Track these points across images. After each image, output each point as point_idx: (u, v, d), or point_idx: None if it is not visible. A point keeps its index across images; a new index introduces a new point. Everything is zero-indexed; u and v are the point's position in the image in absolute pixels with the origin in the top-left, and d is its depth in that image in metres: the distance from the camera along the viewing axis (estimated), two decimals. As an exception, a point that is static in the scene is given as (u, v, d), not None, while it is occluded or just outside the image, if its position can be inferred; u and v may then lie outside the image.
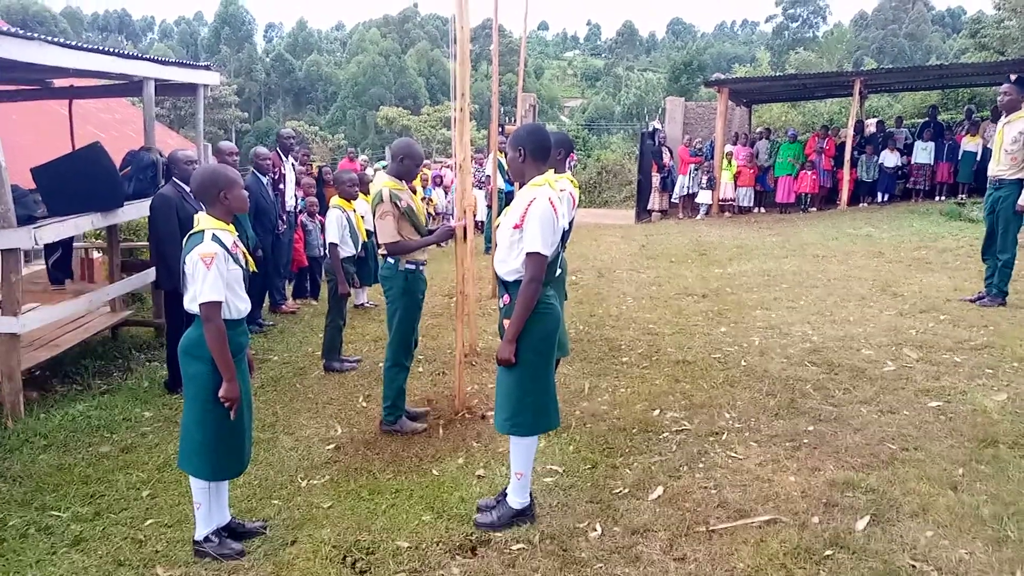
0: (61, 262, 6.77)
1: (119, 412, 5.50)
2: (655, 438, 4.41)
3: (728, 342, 6.15)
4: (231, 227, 3.45)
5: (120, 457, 4.72)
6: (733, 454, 4.10)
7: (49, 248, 6.59)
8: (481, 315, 7.42)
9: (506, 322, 3.44)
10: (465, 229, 5.00)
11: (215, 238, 3.30)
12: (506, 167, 10.07)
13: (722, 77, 17.64)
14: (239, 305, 3.41)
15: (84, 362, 6.59)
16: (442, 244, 5.35)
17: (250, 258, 3.55)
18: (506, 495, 3.62)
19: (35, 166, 5.69)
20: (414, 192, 5.43)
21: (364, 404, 5.42)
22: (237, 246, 3.43)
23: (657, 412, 4.77)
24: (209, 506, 3.48)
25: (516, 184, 3.69)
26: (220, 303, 3.27)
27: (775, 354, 5.74)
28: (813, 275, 8.55)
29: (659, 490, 3.74)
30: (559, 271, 3.62)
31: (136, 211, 6.57)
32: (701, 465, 4.00)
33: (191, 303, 3.32)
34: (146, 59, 6.96)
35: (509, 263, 3.44)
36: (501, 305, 3.55)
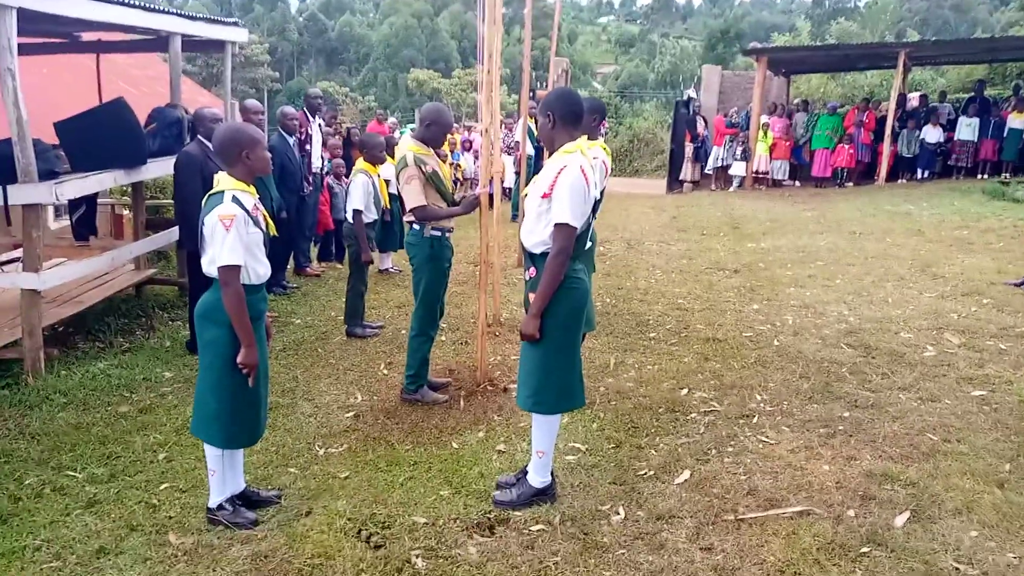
0: (86, 218, 6.73)
1: (140, 371, 5.47)
2: (682, 419, 4.26)
3: (760, 320, 5.96)
4: (252, 188, 3.32)
5: (138, 418, 4.68)
6: (764, 439, 3.95)
7: (73, 204, 6.55)
8: (506, 284, 7.29)
9: (532, 296, 3.29)
10: (491, 197, 4.84)
11: (235, 200, 3.17)
12: (536, 133, 9.84)
13: (760, 46, 17.13)
14: (259, 270, 3.30)
15: (107, 319, 6.57)
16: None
17: (271, 221, 3.43)
18: (527, 473, 3.51)
19: (58, 121, 5.60)
20: (442, 158, 5.26)
21: (385, 372, 5.33)
22: (258, 208, 3.31)
23: (685, 391, 4.62)
24: (223, 474, 3.41)
25: (547, 152, 3.49)
26: (239, 267, 3.16)
27: (809, 334, 5.55)
28: (850, 253, 8.29)
29: (686, 474, 3.61)
30: (589, 243, 3.46)
31: (160, 168, 6.49)
32: (730, 449, 3.85)
33: (209, 266, 3.20)
34: (173, 14, 6.82)
35: (536, 234, 3.28)
36: (527, 278, 3.40)
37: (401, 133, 13.72)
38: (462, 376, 5.15)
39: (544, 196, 3.21)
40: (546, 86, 18.47)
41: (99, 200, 9.49)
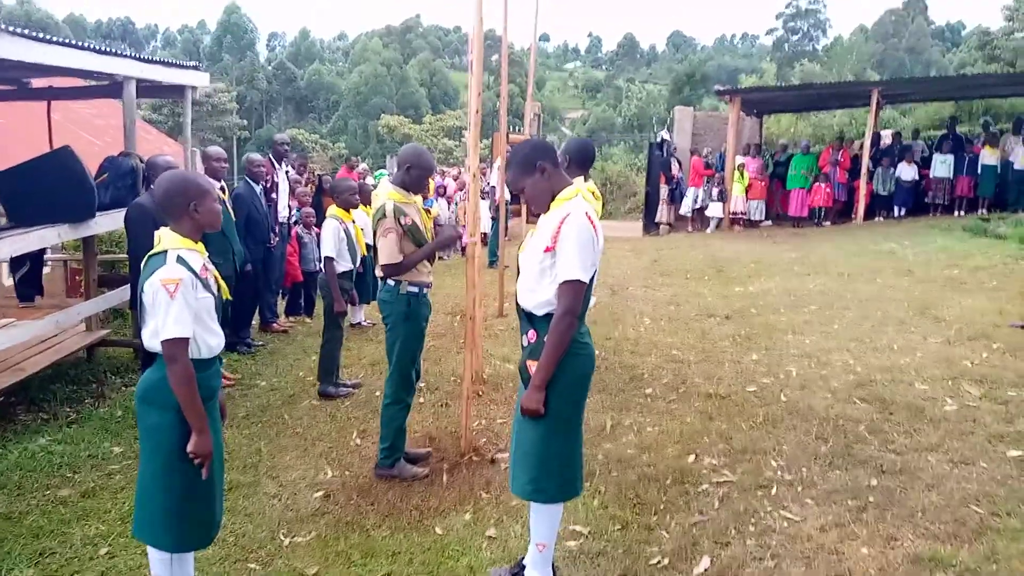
0: (30, 277, 6.21)
1: (85, 447, 4.91)
2: (693, 491, 3.82)
3: (762, 372, 5.58)
4: (200, 246, 2.87)
5: (80, 503, 4.13)
6: (787, 514, 3.52)
7: (16, 262, 6.02)
8: (487, 336, 6.86)
9: (531, 364, 2.86)
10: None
11: (180, 260, 2.72)
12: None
13: (733, 88, 17.13)
14: (210, 341, 2.83)
15: (54, 387, 6.00)
16: (444, 256, 4.68)
17: (223, 283, 2.97)
18: (523, 567, 3.04)
19: (-5, 172, 5.13)
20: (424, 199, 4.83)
21: (358, 441, 4.84)
22: (207, 269, 2.86)
23: (692, 458, 4.19)
24: (170, 580, 2.90)
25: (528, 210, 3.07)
26: (187, 340, 2.70)
27: (817, 387, 5.17)
28: (842, 295, 7.98)
29: (705, 562, 3.16)
30: (593, 299, 3.06)
31: (112, 222, 6.00)
32: (752, 528, 3.42)
33: (151, 339, 2.73)
34: (127, 57, 6.40)
35: (539, 293, 2.86)
36: (524, 343, 2.96)
37: (376, 178, 13.34)
38: (444, 445, 4.68)
39: (547, 250, 2.80)
40: (520, 130, 18.27)
41: (52, 256, 9.00)
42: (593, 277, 2.90)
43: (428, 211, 13.09)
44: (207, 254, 2.93)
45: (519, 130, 17.33)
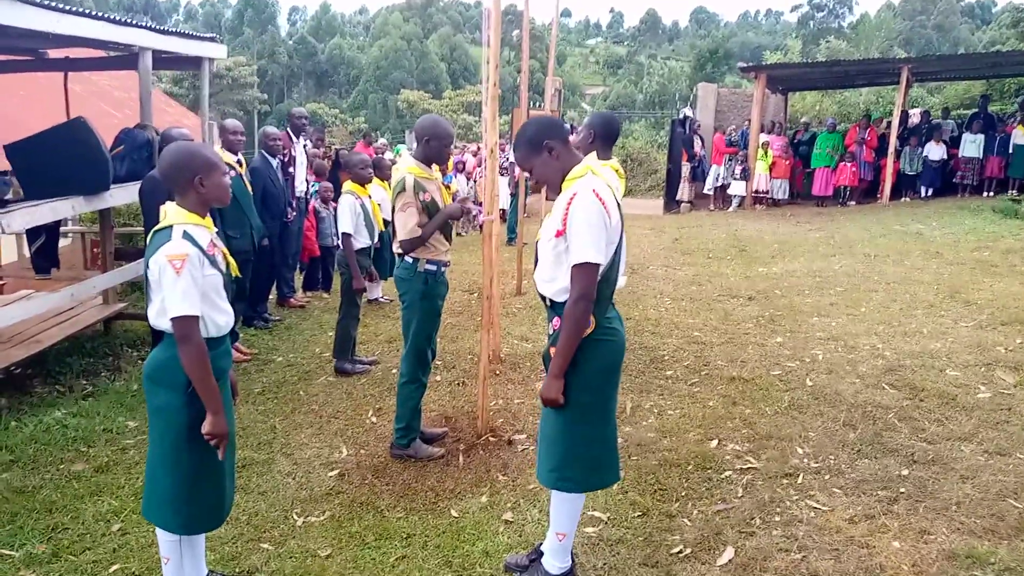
0: (46, 249, 6.17)
1: (100, 421, 4.88)
2: (716, 478, 3.71)
3: (787, 355, 5.43)
4: (208, 221, 2.77)
5: (93, 478, 4.09)
6: (815, 504, 3.40)
7: (32, 234, 5.99)
8: (504, 315, 6.76)
9: (553, 351, 2.75)
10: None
11: (186, 236, 2.62)
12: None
13: (750, 64, 16.77)
14: (218, 320, 2.73)
15: (70, 360, 5.98)
16: (462, 232, 4.47)
17: (231, 260, 2.87)
18: (541, 554, 2.95)
19: (8, 143, 5.05)
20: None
21: (374, 419, 4.76)
22: (215, 245, 2.76)
23: (715, 443, 4.07)
24: (180, 561, 2.83)
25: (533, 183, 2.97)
26: (196, 317, 2.60)
27: (844, 372, 5.02)
28: (869, 277, 7.79)
29: (729, 552, 3.06)
30: (622, 280, 2.93)
31: (127, 194, 5.93)
32: (777, 518, 3.30)
33: (158, 318, 2.64)
34: (142, 27, 6.29)
35: (557, 280, 2.74)
36: (550, 331, 2.84)
37: (395, 152, 13.21)
38: (460, 425, 4.59)
39: (558, 234, 2.66)
40: (541, 106, 18.03)
41: (70, 228, 8.98)
42: (618, 256, 2.77)
43: (447, 187, 12.98)
44: (216, 229, 2.83)
45: (539, 106, 17.10)
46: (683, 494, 3.57)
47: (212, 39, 7.33)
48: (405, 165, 3.92)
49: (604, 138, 4.19)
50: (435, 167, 4.00)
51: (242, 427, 4.65)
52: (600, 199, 2.60)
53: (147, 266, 2.65)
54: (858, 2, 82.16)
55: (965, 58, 15.43)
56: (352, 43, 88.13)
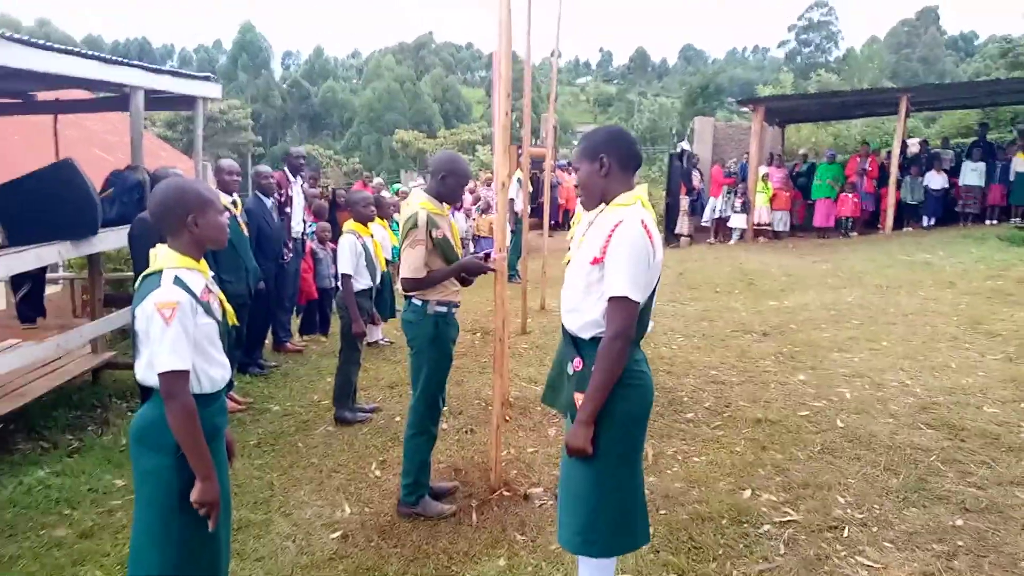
0: (31, 297, 5.91)
1: (85, 480, 4.57)
2: (753, 533, 3.42)
3: (811, 394, 5.17)
4: (203, 265, 2.52)
5: (76, 545, 3.78)
6: (866, 561, 3.11)
7: (16, 281, 5.72)
8: (511, 355, 6.47)
9: (578, 397, 2.49)
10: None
11: (178, 281, 2.37)
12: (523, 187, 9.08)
13: (748, 97, 16.74)
14: (212, 373, 2.47)
15: (55, 413, 5.68)
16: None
17: (228, 307, 2.62)
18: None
19: (-9, 186, 4.82)
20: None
21: (378, 473, 4.46)
22: (210, 291, 2.51)
23: (748, 493, 3.78)
24: (170, 645, 2.52)
25: (582, 206, 2.71)
26: (186, 373, 2.34)
27: (876, 412, 4.75)
28: (884, 309, 7.55)
29: (779, 620, 2.76)
30: (651, 324, 2.68)
31: (117, 238, 5.68)
32: (827, 578, 3.01)
33: (146, 371, 2.38)
34: (134, 65, 6.11)
35: (585, 313, 2.50)
36: (570, 371, 2.59)
37: (392, 190, 13.04)
38: (471, 477, 4.30)
39: (595, 261, 2.44)
40: (539, 142, 17.95)
41: (61, 275, 8.72)
42: (652, 297, 2.53)
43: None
44: (211, 274, 2.59)
45: (539, 142, 17.03)
46: (720, 552, 3.28)
47: (206, 78, 7.15)
48: (417, 200, 3.68)
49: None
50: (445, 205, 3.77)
51: (237, 484, 4.35)
52: (648, 233, 2.38)
53: (134, 315, 2.39)
54: (843, 37, 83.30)
55: (963, 87, 15.43)
56: (345, 86, 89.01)
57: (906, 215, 14.43)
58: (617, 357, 2.38)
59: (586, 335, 2.51)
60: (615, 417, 2.45)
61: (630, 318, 2.39)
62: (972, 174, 13.80)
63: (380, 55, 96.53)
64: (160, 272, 2.39)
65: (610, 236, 2.40)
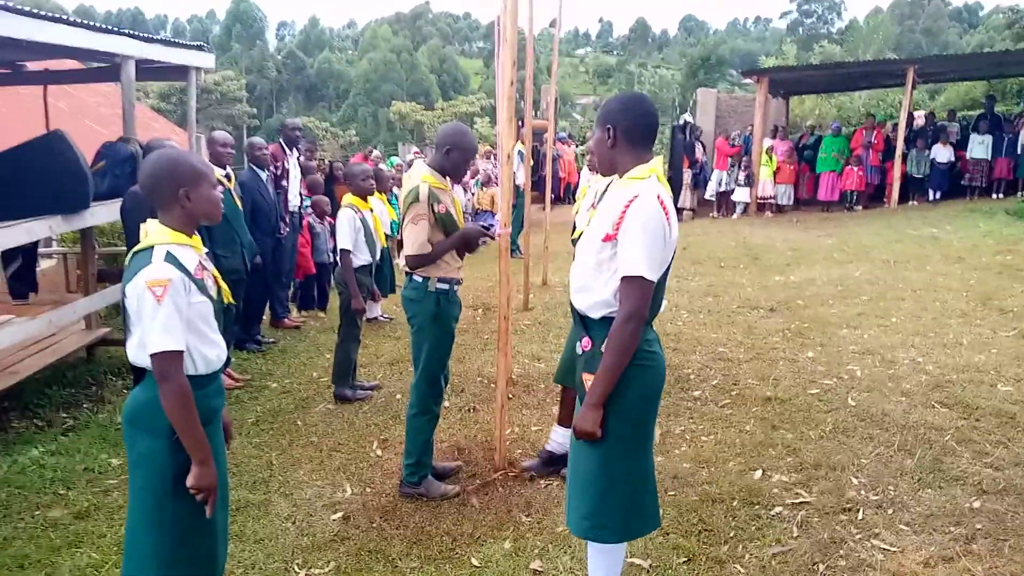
0: (22, 272, 5.78)
1: (81, 459, 4.47)
2: (765, 515, 3.34)
3: (821, 372, 5.07)
4: (196, 240, 2.40)
5: (72, 526, 3.69)
6: (881, 544, 3.03)
7: (7, 257, 5.59)
8: (512, 332, 6.36)
9: (587, 378, 2.38)
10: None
11: (170, 258, 2.25)
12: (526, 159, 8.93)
13: (753, 69, 16.50)
14: (208, 353, 2.36)
15: (50, 390, 5.57)
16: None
17: (224, 285, 2.50)
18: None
19: (-22, 159, 4.68)
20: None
21: (379, 452, 4.37)
22: (204, 268, 2.39)
23: (759, 474, 3.70)
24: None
25: (597, 175, 2.60)
26: (180, 353, 2.23)
27: (887, 390, 4.66)
28: (892, 284, 7.45)
29: (795, 606, 2.68)
30: (664, 303, 2.57)
31: (109, 212, 5.55)
32: (842, 562, 2.93)
33: (138, 352, 2.27)
34: (124, 34, 5.93)
35: (595, 291, 2.38)
36: (579, 351, 2.48)
37: (389, 164, 12.85)
38: (474, 456, 4.21)
39: (607, 238, 2.32)
40: (540, 114, 17.72)
41: (51, 249, 8.58)
42: (665, 276, 2.42)
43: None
44: (205, 249, 2.46)
45: (540, 115, 16.81)
46: (731, 535, 3.19)
47: (199, 47, 6.97)
48: (419, 173, 3.53)
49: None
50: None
51: (235, 463, 4.26)
52: (664, 209, 2.26)
53: (124, 293, 2.28)
54: (846, 8, 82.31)
55: (971, 58, 15.19)
56: (341, 57, 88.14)
57: (912, 188, 14.27)
58: (630, 339, 2.28)
59: (596, 315, 2.40)
60: (626, 399, 2.35)
61: (644, 298, 2.28)
62: (979, 147, 13.62)
63: (376, 25, 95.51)
64: (151, 248, 2.27)
65: (624, 212, 2.28)
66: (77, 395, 5.61)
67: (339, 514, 3.67)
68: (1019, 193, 13.49)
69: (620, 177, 2.41)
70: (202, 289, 2.31)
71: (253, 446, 4.55)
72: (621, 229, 2.28)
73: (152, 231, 2.32)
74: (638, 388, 2.37)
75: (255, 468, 4.23)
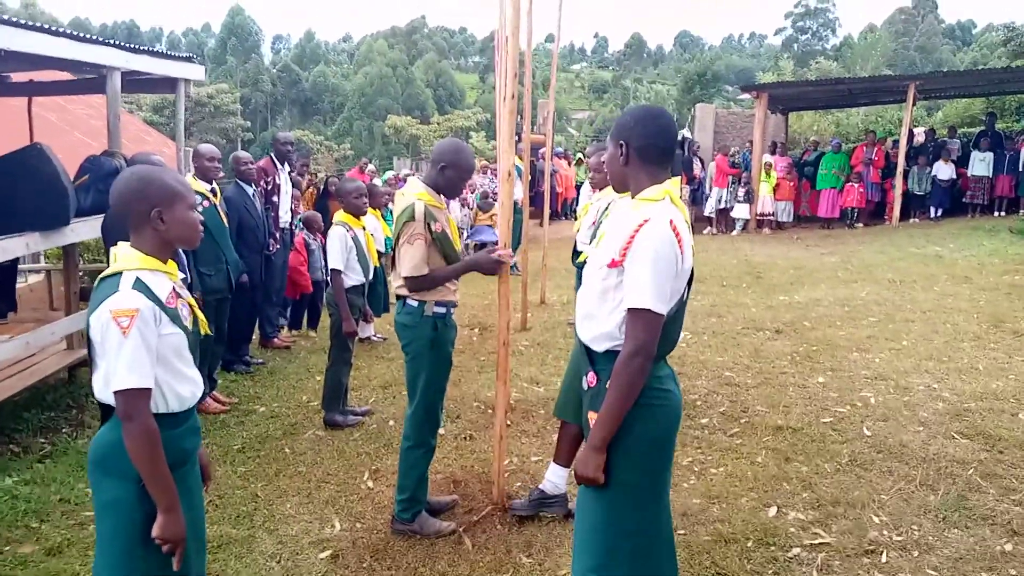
0: (1, 291, 5.57)
1: (56, 488, 4.24)
2: (783, 557, 3.12)
3: (833, 399, 4.86)
4: (170, 267, 2.19)
5: (43, 564, 3.46)
6: (911, 593, 2.81)
7: (-15, 274, 5.38)
8: (510, 353, 6.16)
9: (592, 417, 2.17)
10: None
11: (139, 285, 2.04)
12: (524, 174, 8.75)
13: (752, 84, 16.39)
14: (180, 389, 2.14)
15: (27, 415, 5.33)
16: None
17: (200, 315, 2.29)
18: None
19: (-48, 173, 4.46)
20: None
21: (370, 484, 4.14)
22: (179, 295, 2.17)
23: (774, 511, 3.48)
24: None
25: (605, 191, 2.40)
26: (146, 391, 2.01)
27: (904, 419, 4.45)
28: (900, 305, 7.26)
29: (822, 665, 2.46)
30: (681, 333, 2.37)
31: (91, 229, 5.32)
32: (870, 614, 2.71)
33: (103, 388, 2.06)
34: (110, 44, 5.74)
35: (599, 321, 2.18)
36: (584, 387, 2.27)
37: (383, 181, 12.66)
38: (471, 489, 3.98)
39: (613, 264, 2.11)
40: (537, 128, 17.57)
41: (41, 266, 8.35)
42: (682, 310, 2.22)
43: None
44: (181, 276, 2.25)
45: (538, 129, 16.66)
46: (747, 580, 2.98)
47: (188, 58, 6.79)
48: (414, 191, 3.33)
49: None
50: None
51: (219, 495, 4.03)
52: (677, 235, 2.06)
53: (87, 323, 2.06)
54: (841, 24, 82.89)
55: (972, 75, 15.07)
56: (336, 70, 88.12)
57: (913, 206, 14.16)
58: (634, 378, 2.06)
59: (599, 348, 2.19)
60: (634, 443, 2.13)
61: (652, 333, 2.06)
62: (980, 164, 13.51)
63: (372, 39, 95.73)
64: (119, 275, 2.06)
65: (632, 237, 2.08)
66: (56, 419, 5.37)
67: (327, 552, 3.44)
68: (1021, 211, 13.37)
69: (632, 198, 2.21)
70: (175, 319, 2.10)
71: (238, 476, 4.32)
72: (628, 255, 2.08)
73: (121, 255, 2.11)
74: (648, 430, 2.15)
75: (239, 500, 4.00)
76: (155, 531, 2.05)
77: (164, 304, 2.08)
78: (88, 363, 2.13)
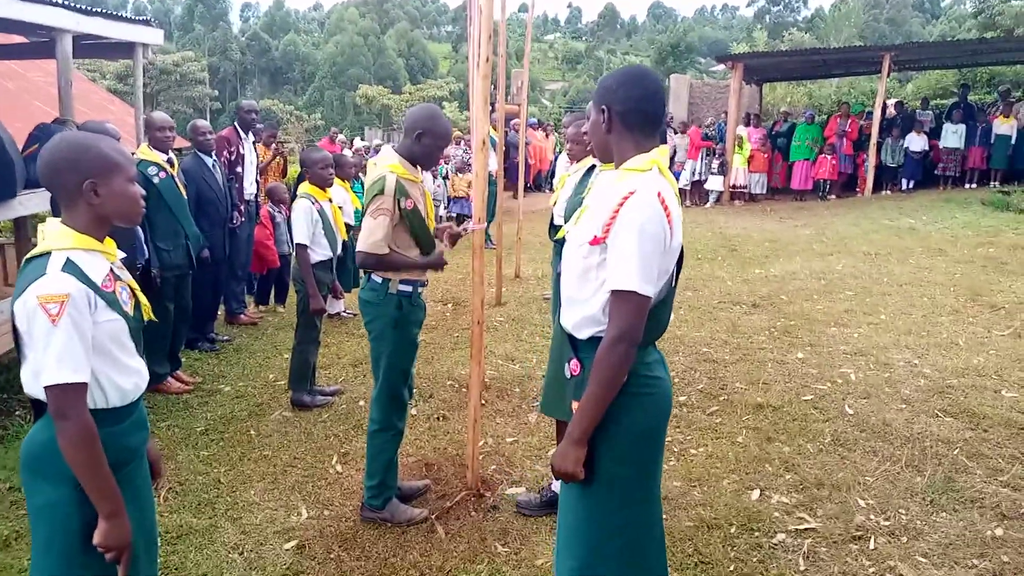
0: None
1: (6, 476, 4.00)
2: (767, 543, 3.01)
3: (813, 375, 4.77)
4: (108, 245, 1.98)
5: (-11, 559, 3.26)
6: (900, 580, 2.72)
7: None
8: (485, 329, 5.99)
9: (575, 406, 2.00)
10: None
11: (70, 267, 1.82)
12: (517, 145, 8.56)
13: (727, 55, 16.21)
14: (122, 382, 1.94)
15: (-23, 396, 5.09)
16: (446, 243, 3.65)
17: (143, 298, 2.08)
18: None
19: None
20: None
21: (339, 468, 3.97)
22: (117, 278, 1.97)
23: (757, 495, 3.37)
24: None
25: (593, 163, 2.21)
26: (81, 386, 1.81)
27: (886, 396, 4.37)
28: (876, 278, 7.20)
29: (811, 660, 2.35)
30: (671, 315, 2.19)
31: (42, 200, 5.05)
32: (858, 604, 2.61)
33: (32, 383, 1.85)
34: (59, 5, 5.40)
35: (581, 304, 2.00)
36: (568, 375, 2.09)
37: (356, 152, 12.35)
38: (444, 473, 3.83)
39: (595, 241, 1.92)
40: (511, 99, 17.25)
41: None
42: (672, 292, 2.05)
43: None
44: (120, 256, 2.04)
45: (511, 99, 16.34)
46: (731, 568, 2.86)
47: (146, 22, 6.45)
48: (387, 162, 3.11)
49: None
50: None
51: (180, 481, 3.84)
52: (665, 208, 1.87)
53: (11, 311, 1.85)
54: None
55: (947, 46, 15.01)
56: (307, 39, 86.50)
57: (884, 177, 14.13)
58: (618, 366, 1.87)
59: (583, 334, 2.01)
60: (621, 435, 1.95)
61: (637, 316, 1.86)
62: (952, 136, 13.48)
63: (343, 7, 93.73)
64: (48, 255, 1.84)
65: (617, 211, 1.87)
66: (9, 401, 5.12)
67: (293, 542, 3.28)
68: (992, 183, 13.42)
69: (616, 168, 2.03)
70: (112, 305, 1.89)
71: (200, 460, 4.13)
72: (612, 231, 1.88)
73: (50, 233, 1.89)
74: (636, 421, 1.97)
75: (201, 487, 3.81)
76: (97, 538, 1.86)
77: (99, 288, 1.87)
78: (17, 355, 1.91)
